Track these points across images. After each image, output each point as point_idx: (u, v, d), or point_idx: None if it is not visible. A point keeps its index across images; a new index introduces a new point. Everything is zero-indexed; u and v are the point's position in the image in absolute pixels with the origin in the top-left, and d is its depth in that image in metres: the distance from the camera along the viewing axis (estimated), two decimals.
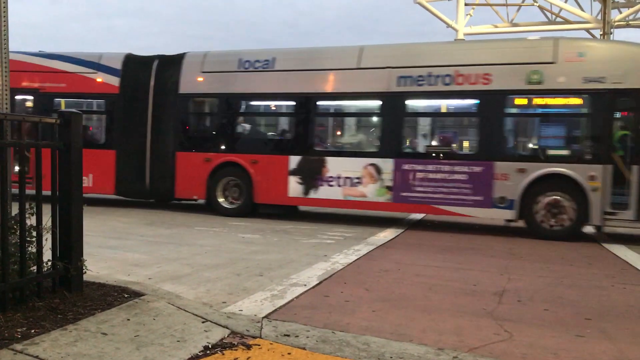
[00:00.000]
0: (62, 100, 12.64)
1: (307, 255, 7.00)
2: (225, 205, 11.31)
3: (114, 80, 12.14)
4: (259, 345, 3.46)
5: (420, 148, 10.57)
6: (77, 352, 2.99)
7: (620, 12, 24.17)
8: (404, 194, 10.06)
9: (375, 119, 10.96)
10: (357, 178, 10.35)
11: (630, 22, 24.45)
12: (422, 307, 4.72)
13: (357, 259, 6.90)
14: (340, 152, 10.97)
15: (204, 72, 11.62)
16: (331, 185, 10.54)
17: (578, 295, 5.37)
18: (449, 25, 24.79)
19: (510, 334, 4.00)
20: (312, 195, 10.66)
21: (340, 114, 11.90)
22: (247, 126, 11.94)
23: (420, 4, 24.30)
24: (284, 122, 11.91)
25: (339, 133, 12.00)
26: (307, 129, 10.98)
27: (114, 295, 4.01)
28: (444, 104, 10.68)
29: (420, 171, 9.97)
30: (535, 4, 25.35)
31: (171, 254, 6.81)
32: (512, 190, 9.42)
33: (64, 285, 3.90)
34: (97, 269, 4.86)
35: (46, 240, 3.79)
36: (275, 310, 4.36)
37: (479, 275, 6.17)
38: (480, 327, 4.16)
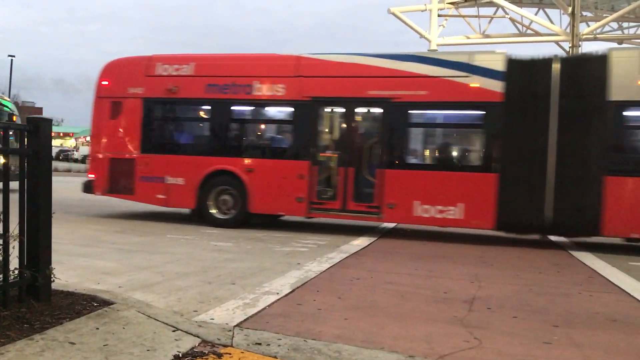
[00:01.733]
0: (421, 112, 10.66)
1: (280, 264, 6.99)
2: None
3: (495, 86, 9.73)
4: (230, 354, 3.45)
5: None
6: None
7: (588, 26, 24.92)
8: None
9: None
10: None
11: (597, 36, 25.24)
12: (394, 315, 4.75)
13: (330, 267, 6.91)
14: None
15: None
16: None
17: (546, 303, 5.48)
18: (422, 36, 25.18)
19: (479, 341, 4.05)
20: None
21: None
22: None
23: (394, 14, 24.64)
24: None
25: None
26: None
27: (83, 304, 3.95)
28: None
29: None
30: (506, 16, 25.96)
31: (142, 262, 6.74)
32: None
33: (31, 294, 3.82)
34: (66, 277, 4.77)
35: (13, 248, 3.71)
36: (247, 318, 4.34)
37: (450, 283, 6.25)
38: (451, 334, 4.21)
